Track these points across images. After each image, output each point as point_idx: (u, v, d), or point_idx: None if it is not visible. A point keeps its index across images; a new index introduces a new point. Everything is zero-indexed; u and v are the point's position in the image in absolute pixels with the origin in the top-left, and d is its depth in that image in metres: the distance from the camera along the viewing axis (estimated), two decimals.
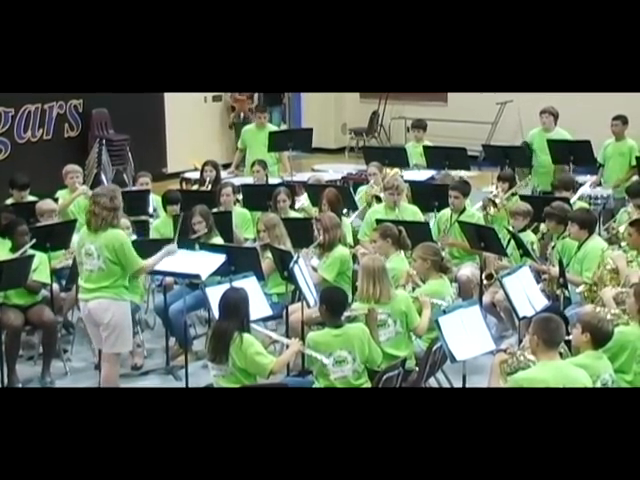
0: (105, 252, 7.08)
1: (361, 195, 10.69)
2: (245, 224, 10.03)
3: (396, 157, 12.10)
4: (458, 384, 7.14)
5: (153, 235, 9.50)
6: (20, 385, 8.28)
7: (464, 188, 9.76)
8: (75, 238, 9.22)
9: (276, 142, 12.60)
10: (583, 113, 13.10)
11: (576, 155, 11.57)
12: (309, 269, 8.07)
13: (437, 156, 12.14)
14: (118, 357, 7.51)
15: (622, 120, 11.63)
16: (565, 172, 11.46)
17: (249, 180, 11.69)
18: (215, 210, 9.62)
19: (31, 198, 10.16)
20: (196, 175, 12.05)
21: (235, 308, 6.62)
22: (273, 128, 13.45)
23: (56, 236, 8.93)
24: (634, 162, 11.36)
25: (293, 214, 9.86)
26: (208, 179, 11.37)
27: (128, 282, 7.34)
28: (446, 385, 7.59)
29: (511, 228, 9.08)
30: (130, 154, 14.71)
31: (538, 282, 7.98)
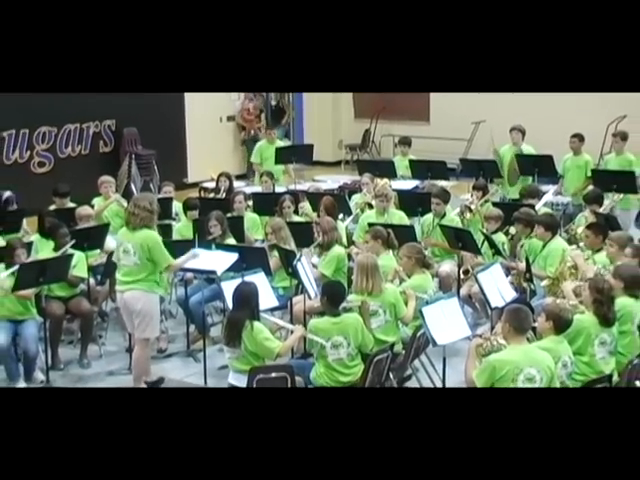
0: (140, 250, 7.08)
1: (355, 202, 10.69)
2: (255, 227, 10.03)
3: (385, 169, 12.10)
4: (439, 366, 7.14)
5: (175, 237, 9.49)
6: (62, 366, 8.32)
7: (444, 196, 9.79)
8: (109, 239, 9.28)
9: (282, 156, 12.64)
10: (546, 131, 13.09)
11: (540, 167, 11.61)
12: (310, 266, 8.08)
13: (420, 168, 12.16)
14: (148, 342, 7.50)
15: (579, 138, 11.68)
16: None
17: (258, 189, 11.71)
18: (229, 215, 9.61)
19: (71, 205, 10.18)
20: (212, 185, 12.06)
21: (246, 299, 6.65)
22: (281, 143, 13.50)
23: (92, 237, 8.98)
24: (589, 174, 11.40)
25: (296, 218, 9.85)
26: (223, 188, 11.41)
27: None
28: (428, 366, 7.58)
29: (485, 230, 9.10)
30: (156, 167, 14.73)
31: (508, 277, 8.00)
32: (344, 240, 9.10)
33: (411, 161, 12.38)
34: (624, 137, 11.67)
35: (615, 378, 6.46)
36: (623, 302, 6.60)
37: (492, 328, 7.11)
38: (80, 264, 8.41)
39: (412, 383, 7.57)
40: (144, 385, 7.32)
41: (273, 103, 17.78)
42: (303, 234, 8.94)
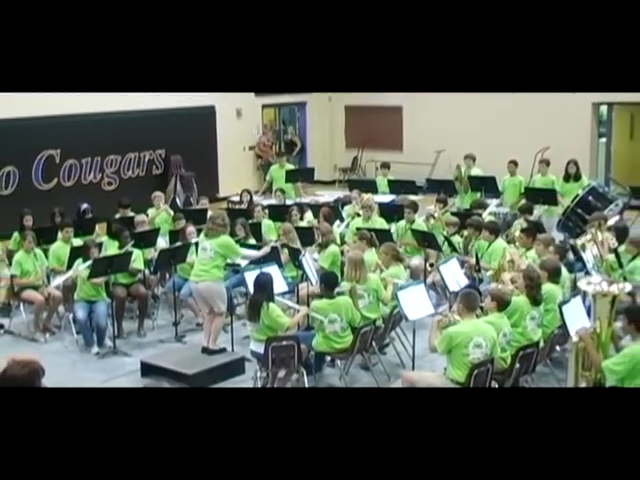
0: (216, 248, 7.11)
1: (347, 211, 10.66)
2: (270, 230, 10.00)
3: (369, 186, 12.09)
4: (410, 336, 7.14)
5: None
6: (125, 335, 8.33)
7: (414, 207, 9.81)
8: (159, 239, 9.29)
9: (291, 176, 12.69)
10: (491, 158, 13.04)
11: (486, 186, 11.65)
12: (312, 260, 8.08)
13: (396, 186, 12.16)
14: (223, 315, 7.41)
15: (514, 163, 11.76)
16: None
17: (272, 201, 11.72)
18: (250, 221, 9.61)
19: (131, 214, 10.18)
20: (237, 198, 12.08)
21: (264, 286, 6.64)
22: (290, 167, 13.50)
23: (147, 239, 9.00)
24: (523, 191, 11.45)
25: (301, 224, 9.85)
26: (245, 201, 11.43)
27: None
28: (402, 336, 7.57)
29: (445, 233, 9.11)
30: (195, 185, 14.71)
31: (462, 268, 8.00)
32: (338, 240, 9.11)
33: (389, 180, 12.40)
34: (548, 163, 11.75)
35: (541, 344, 6.49)
36: (547, 287, 6.63)
37: (450, 307, 7.12)
38: (138, 259, 8.43)
39: (389, 349, 7.60)
40: (217, 347, 7.32)
41: (289, 138, 17.66)
42: (307, 236, 8.93)
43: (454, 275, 7.64)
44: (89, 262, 7.87)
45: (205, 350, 7.32)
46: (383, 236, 8.62)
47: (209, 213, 10.39)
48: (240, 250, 7.39)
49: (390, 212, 10.15)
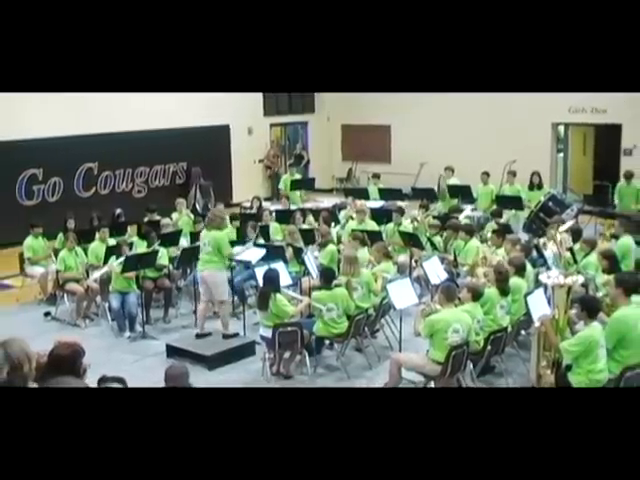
0: (213, 242, 7.11)
1: (343, 215, 10.67)
2: (277, 232, 10.00)
3: (362, 194, 12.09)
4: (397, 322, 7.15)
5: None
6: (152, 322, 8.32)
7: (401, 211, 9.84)
8: (182, 240, 9.29)
9: (295, 185, 12.72)
10: (466, 169, 13.05)
11: (462, 193, 11.66)
12: (313, 258, 8.09)
13: (385, 193, 12.12)
14: (227, 303, 7.45)
15: (486, 174, 11.79)
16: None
17: (279, 206, 11.71)
18: (260, 224, 9.62)
19: (157, 217, 10.18)
20: (248, 204, 12.07)
21: (271, 279, 6.65)
22: (298, 176, 13.52)
23: (171, 239, 9.01)
24: (494, 197, 11.47)
25: (304, 226, 9.85)
26: (255, 206, 11.41)
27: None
28: (390, 323, 7.57)
29: (427, 234, 9.11)
30: (212, 192, 14.72)
31: (442, 264, 8.01)
32: (335, 240, 9.12)
33: (379, 189, 12.39)
34: (514, 174, 11.80)
35: (509, 329, 6.51)
36: (514, 280, 6.64)
37: (432, 298, 7.14)
38: (163, 256, 8.43)
39: (379, 334, 7.60)
40: (230, 332, 7.30)
41: (298, 152, 17.60)
42: (308, 236, 8.94)
43: (435, 270, 7.65)
44: (122, 259, 7.89)
45: (199, 336, 7.29)
46: (374, 236, 8.63)
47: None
48: (229, 248, 7.27)
49: (380, 216, 10.15)
